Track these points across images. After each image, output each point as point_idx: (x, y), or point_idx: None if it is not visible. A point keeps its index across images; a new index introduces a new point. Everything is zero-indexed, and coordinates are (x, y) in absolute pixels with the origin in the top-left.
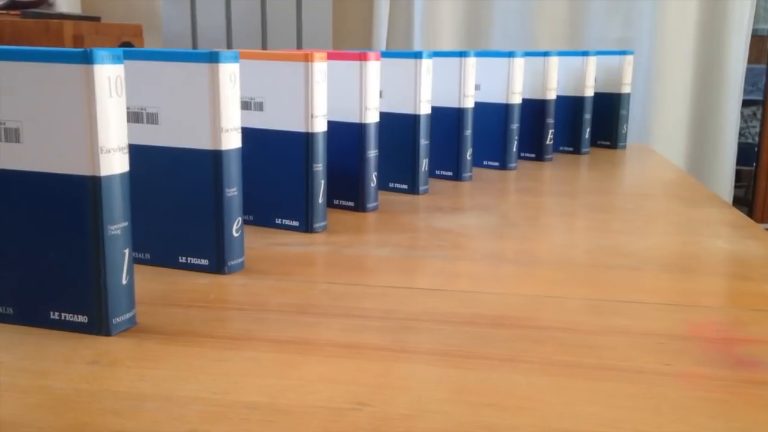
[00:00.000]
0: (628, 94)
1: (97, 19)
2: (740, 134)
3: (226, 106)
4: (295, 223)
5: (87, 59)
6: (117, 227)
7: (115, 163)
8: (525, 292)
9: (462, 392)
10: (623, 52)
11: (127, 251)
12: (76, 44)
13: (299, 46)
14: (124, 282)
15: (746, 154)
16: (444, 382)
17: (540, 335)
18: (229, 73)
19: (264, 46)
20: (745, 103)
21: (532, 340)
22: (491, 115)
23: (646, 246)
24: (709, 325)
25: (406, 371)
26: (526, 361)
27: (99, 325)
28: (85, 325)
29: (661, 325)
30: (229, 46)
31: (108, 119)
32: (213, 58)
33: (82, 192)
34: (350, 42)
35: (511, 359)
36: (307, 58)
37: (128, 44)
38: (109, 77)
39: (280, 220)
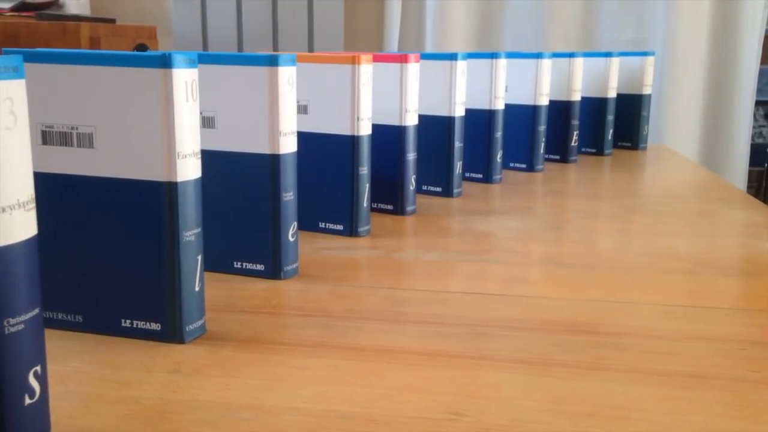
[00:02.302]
0: (650, 95)
1: (112, 21)
2: None
3: (284, 110)
4: (339, 227)
5: (166, 63)
6: (191, 233)
7: (189, 169)
8: (590, 297)
9: (557, 402)
10: (644, 53)
11: (199, 257)
12: (93, 46)
13: (310, 48)
14: (196, 289)
15: (755, 155)
16: (534, 390)
17: (619, 342)
18: (288, 76)
19: (275, 48)
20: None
21: (612, 347)
22: (518, 116)
23: (696, 249)
24: None
25: (493, 380)
26: (612, 369)
27: (172, 333)
28: (158, 333)
29: (737, 331)
30: (240, 48)
31: (184, 124)
32: (272, 61)
33: (158, 198)
34: (361, 44)
35: (596, 367)
36: (354, 61)
37: (143, 46)
38: (186, 81)
39: (323, 223)
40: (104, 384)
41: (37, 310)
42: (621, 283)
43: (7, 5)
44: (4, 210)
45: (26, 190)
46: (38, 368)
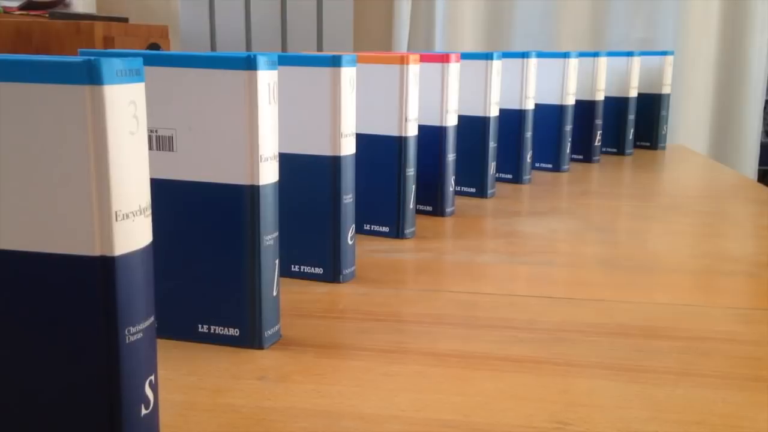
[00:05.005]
0: (668, 95)
1: (125, 20)
2: None
3: (346, 111)
4: (385, 229)
5: (251, 65)
6: (270, 237)
7: (270, 172)
8: (657, 300)
9: (659, 410)
10: (663, 53)
11: (277, 262)
12: (107, 45)
13: (320, 48)
14: (274, 294)
15: (762, 154)
16: (633, 398)
17: (701, 347)
18: (349, 77)
19: (284, 48)
20: None
21: (696, 352)
22: (544, 116)
23: (748, 251)
24: None
25: (587, 387)
26: (703, 374)
27: (252, 339)
28: (236, 339)
29: None
30: (249, 48)
31: (266, 127)
32: (335, 62)
33: (240, 202)
34: (371, 44)
35: (686, 373)
36: (403, 61)
37: (156, 46)
38: (269, 84)
39: (369, 225)
40: (195, 391)
41: (152, 319)
42: (685, 286)
43: (15, 4)
44: (127, 216)
45: (145, 195)
46: (152, 378)
